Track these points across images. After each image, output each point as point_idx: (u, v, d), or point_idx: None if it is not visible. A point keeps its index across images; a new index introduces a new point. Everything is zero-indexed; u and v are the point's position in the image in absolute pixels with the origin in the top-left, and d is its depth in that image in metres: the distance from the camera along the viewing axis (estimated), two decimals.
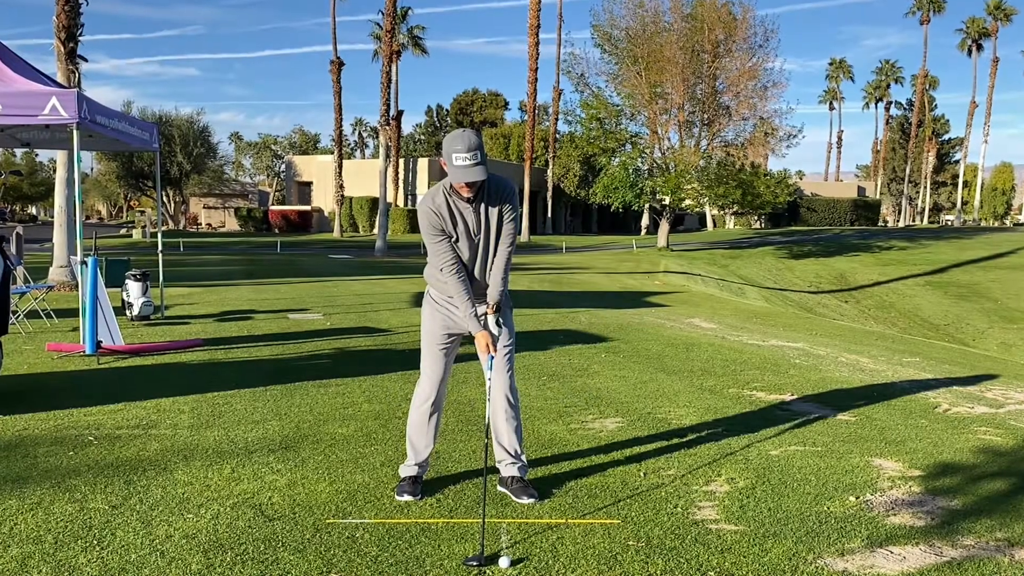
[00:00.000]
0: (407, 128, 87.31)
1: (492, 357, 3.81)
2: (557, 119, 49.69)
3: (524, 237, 43.68)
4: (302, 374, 6.87)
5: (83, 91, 8.31)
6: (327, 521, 3.61)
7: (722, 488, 4.14)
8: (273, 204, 69.28)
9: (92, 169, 68.49)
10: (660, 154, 35.52)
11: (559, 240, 42.56)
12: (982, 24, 69.87)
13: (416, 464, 4.03)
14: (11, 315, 7.59)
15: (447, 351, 3.98)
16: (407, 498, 3.87)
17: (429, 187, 48.43)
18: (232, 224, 63.48)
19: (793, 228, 57.14)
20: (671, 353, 8.56)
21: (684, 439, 5.06)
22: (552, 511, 3.78)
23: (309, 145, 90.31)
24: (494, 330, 3.83)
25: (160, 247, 10.86)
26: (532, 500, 3.86)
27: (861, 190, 76.13)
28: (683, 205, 38.02)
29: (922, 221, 79.16)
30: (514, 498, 3.90)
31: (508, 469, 4.00)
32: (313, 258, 28.65)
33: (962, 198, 75.08)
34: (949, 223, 76.49)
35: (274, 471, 4.29)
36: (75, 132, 7.77)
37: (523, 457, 4.02)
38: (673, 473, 4.36)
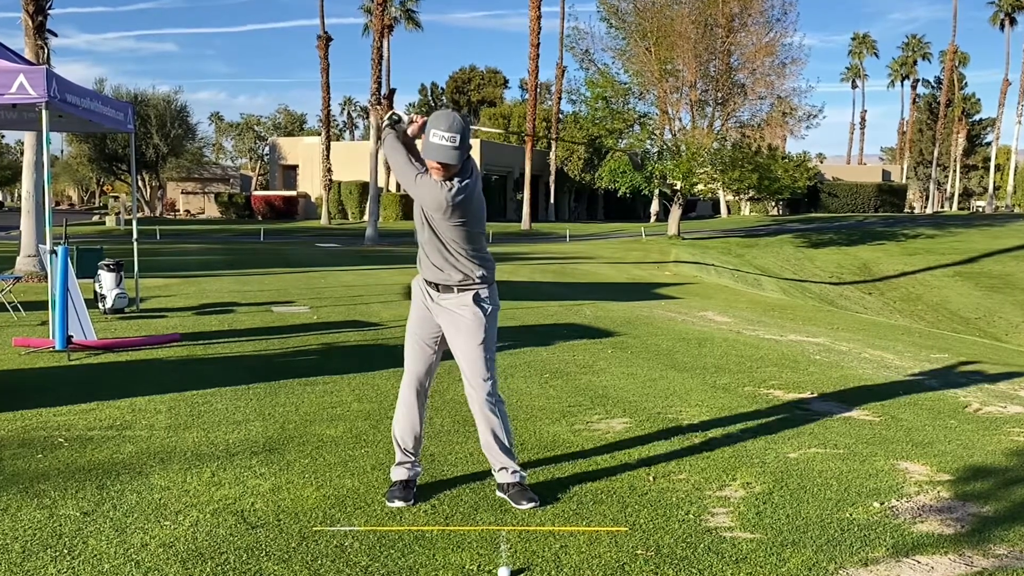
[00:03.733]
0: (400, 108, 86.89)
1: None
2: (560, 98, 49.64)
3: (525, 225, 43.69)
4: (287, 371, 6.87)
5: (53, 68, 8.29)
6: (314, 529, 3.61)
7: (737, 493, 4.14)
8: (256, 189, 69.24)
9: (62, 152, 68.43)
10: (671, 136, 35.45)
11: (562, 228, 42.53)
12: None
13: (406, 465, 4.02)
14: None
15: (428, 345, 4.02)
16: (399, 504, 3.87)
17: None
18: (212, 210, 63.49)
19: (813, 215, 57.11)
20: (682, 349, 8.56)
21: (696, 441, 5.06)
22: (555, 518, 3.78)
23: (295, 126, 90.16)
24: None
25: (135, 235, 10.84)
26: (532, 505, 3.86)
27: (886, 174, 76.06)
28: (695, 190, 37.97)
29: (951, 207, 79.12)
30: (513, 504, 3.89)
31: (501, 475, 4.01)
32: (299, 247, 28.63)
33: (994, 183, 74.98)
34: (980, 209, 76.46)
35: (257, 475, 4.29)
36: (44, 112, 7.75)
37: (514, 464, 4.02)
38: (684, 477, 4.36)
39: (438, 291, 3.94)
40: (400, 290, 13.89)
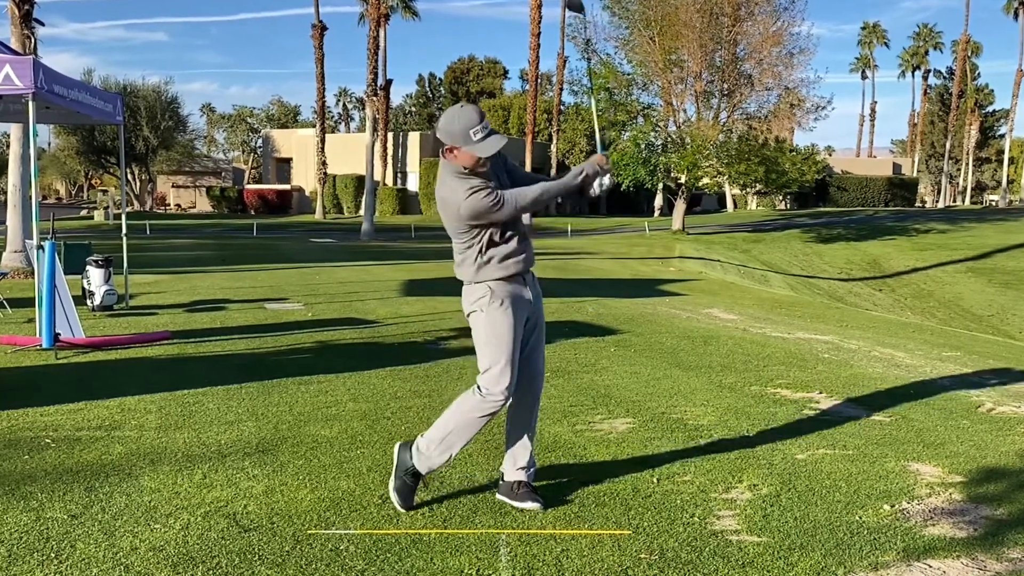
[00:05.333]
0: (396, 99, 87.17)
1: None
2: (561, 89, 49.70)
3: (525, 220, 43.59)
4: (281, 370, 6.86)
5: (40, 58, 8.28)
6: (308, 532, 3.61)
7: (743, 496, 4.14)
8: (249, 183, 69.27)
9: (49, 144, 68.44)
10: (675, 128, 35.45)
11: (564, 222, 42.53)
12: None
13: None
14: None
15: (520, 347, 3.91)
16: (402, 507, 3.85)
17: (421, 163, 48.51)
18: (204, 205, 63.48)
19: (822, 209, 57.11)
20: (687, 347, 8.56)
21: (701, 442, 5.05)
22: (556, 521, 3.77)
23: (288, 118, 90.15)
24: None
25: (124, 230, 10.83)
26: (537, 505, 3.87)
27: (896, 167, 76.08)
28: (701, 184, 37.98)
29: (964, 201, 79.10)
30: (518, 503, 3.89)
31: (519, 474, 3.97)
32: (293, 242, 28.64)
33: (1008, 176, 74.95)
34: (993, 203, 76.37)
35: (250, 477, 4.29)
36: (31, 103, 7.73)
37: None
38: (689, 479, 4.36)
39: (529, 280, 3.98)
40: (398, 287, 13.89)
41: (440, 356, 7.63)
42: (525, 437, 3.99)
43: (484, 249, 3.83)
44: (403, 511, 3.84)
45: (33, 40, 15.41)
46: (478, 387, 3.84)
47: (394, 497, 3.87)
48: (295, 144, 57.48)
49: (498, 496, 4.00)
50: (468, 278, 3.89)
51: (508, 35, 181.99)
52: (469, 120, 3.62)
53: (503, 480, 4.02)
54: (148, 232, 32.43)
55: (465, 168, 3.73)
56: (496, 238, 3.84)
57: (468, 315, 3.93)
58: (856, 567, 3.36)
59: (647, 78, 35.07)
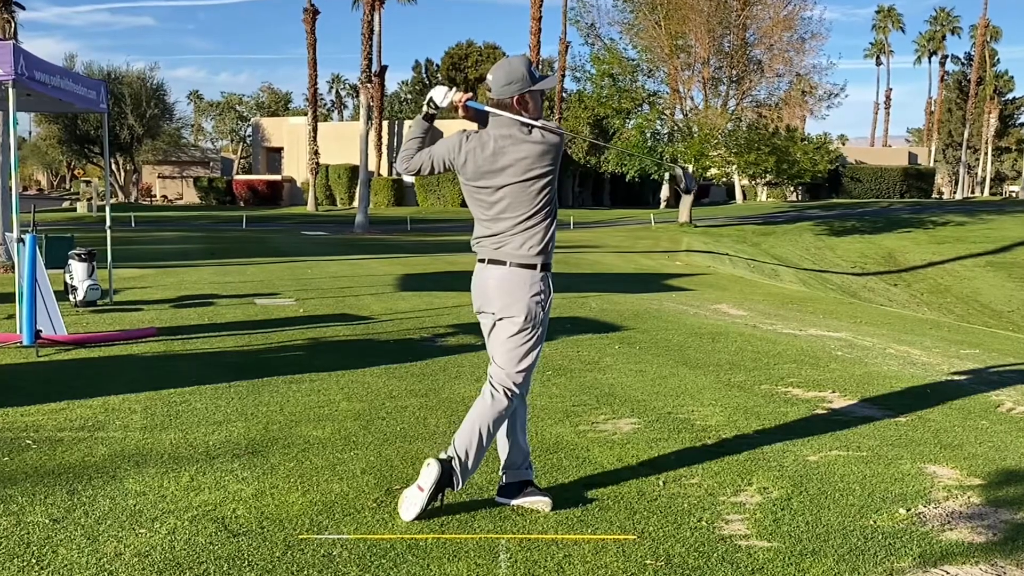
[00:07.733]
0: (392, 86, 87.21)
1: None
2: (564, 76, 49.59)
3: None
4: (271, 368, 6.86)
5: (20, 43, 8.27)
6: (300, 537, 3.61)
7: (753, 499, 4.14)
8: (238, 173, 69.28)
9: (30, 133, 68.41)
10: (682, 116, 35.39)
11: (566, 214, 42.50)
12: None
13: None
14: None
15: None
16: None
17: None
18: (191, 196, 63.53)
19: (835, 201, 57.10)
20: (694, 344, 8.56)
21: (709, 443, 5.05)
22: (558, 525, 3.77)
23: (279, 106, 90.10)
24: None
25: (108, 222, 10.83)
26: (547, 500, 3.88)
27: (912, 157, 76.06)
28: (708, 174, 37.92)
29: (982, 192, 79.07)
30: (528, 498, 3.90)
31: (522, 473, 3.98)
32: (284, 235, 28.65)
33: None
34: (1013, 195, 76.46)
35: (239, 479, 4.29)
36: (11, 90, 7.73)
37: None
38: (697, 482, 4.36)
39: None
40: (393, 281, 13.89)
41: (437, 354, 7.62)
42: (523, 436, 4.00)
43: (552, 224, 3.79)
44: (404, 518, 3.81)
45: (13, 25, 15.42)
46: (507, 388, 3.80)
47: (418, 510, 3.74)
48: (286, 133, 57.42)
49: (512, 502, 3.95)
50: (525, 259, 3.71)
51: (508, 19, 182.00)
52: (526, 60, 3.75)
53: (505, 484, 4.01)
54: (133, 224, 32.43)
55: (531, 116, 3.73)
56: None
57: (512, 304, 3.72)
58: (870, 573, 3.36)
59: (652, 64, 35.02)
